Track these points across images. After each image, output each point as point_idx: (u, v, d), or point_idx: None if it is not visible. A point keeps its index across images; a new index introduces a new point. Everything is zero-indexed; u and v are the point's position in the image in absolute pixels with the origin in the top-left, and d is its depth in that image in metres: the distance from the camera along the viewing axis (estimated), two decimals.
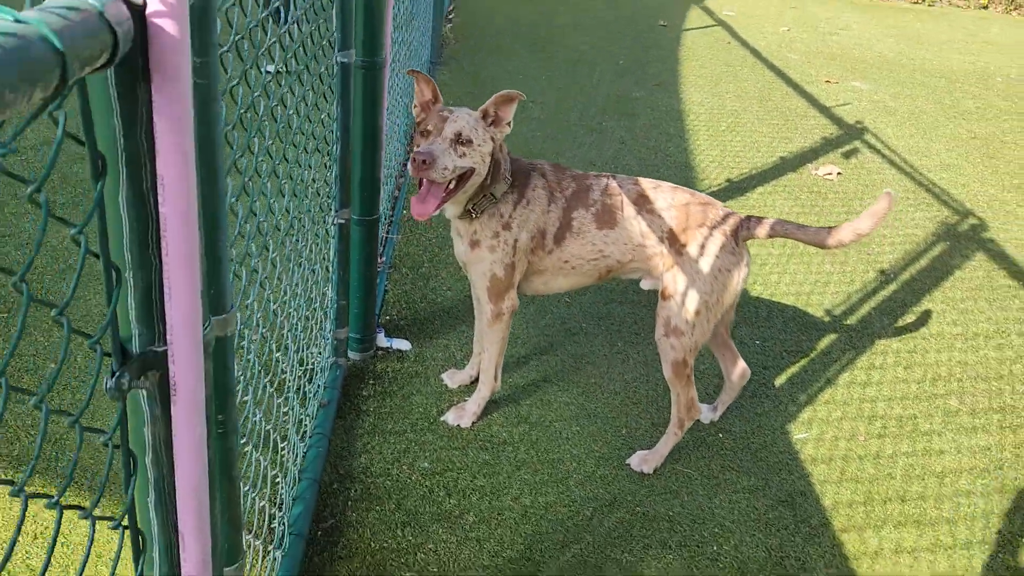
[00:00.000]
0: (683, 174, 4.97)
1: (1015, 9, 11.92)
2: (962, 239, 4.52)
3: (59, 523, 0.90)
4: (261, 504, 2.03)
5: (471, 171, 2.36)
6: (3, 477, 2.35)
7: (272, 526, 2.13)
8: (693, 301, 2.47)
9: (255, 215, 1.65)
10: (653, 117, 5.91)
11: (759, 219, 2.54)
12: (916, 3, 11.85)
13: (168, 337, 0.94)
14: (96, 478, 2.36)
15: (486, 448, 2.67)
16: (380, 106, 2.58)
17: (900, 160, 5.59)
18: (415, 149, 2.27)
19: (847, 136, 5.97)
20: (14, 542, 0.88)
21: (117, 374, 0.92)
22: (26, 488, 0.83)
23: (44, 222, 0.74)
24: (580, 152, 5.14)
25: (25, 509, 0.86)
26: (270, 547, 2.10)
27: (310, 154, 2.24)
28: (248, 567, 1.95)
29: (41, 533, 2.19)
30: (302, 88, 2.06)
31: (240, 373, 1.57)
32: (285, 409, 2.22)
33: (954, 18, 11.02)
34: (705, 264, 2.47)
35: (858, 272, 4.04)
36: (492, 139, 2.38)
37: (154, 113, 0.83)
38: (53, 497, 0.90)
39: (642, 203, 2.54)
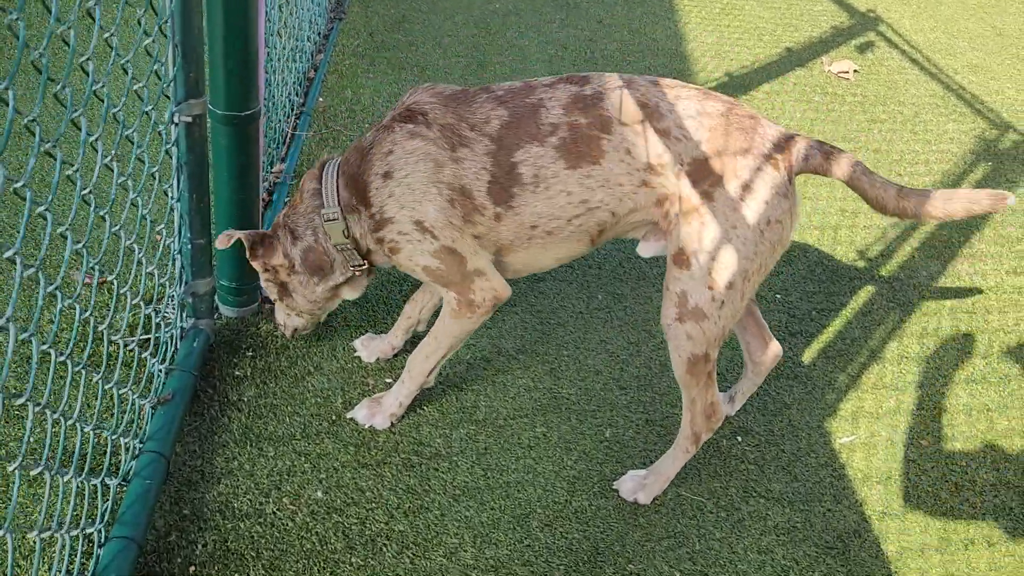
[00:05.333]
0: (674, 65, 4.03)
1: None
2: (1006, 159, 3.72)
3: None
4: None
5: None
6: None
7: None
8: (727, 267, 1.62)
9: None
10: None
11: (837, 151, 1.67)
12: None
13: None
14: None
15: (411, 465, 1.83)
16: None
17: (923, 58, 4.72)
18: None
19: (860, 26, 5.04)
20: None
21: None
22: None
23: None
24: (548, 33, 4.14)
25: None
26: None
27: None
28: None
29: None
30: None
31: None
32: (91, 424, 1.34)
33: None
34: (751, 212, 1.60)
35: None
36: None
37: None
38: None
39: (646, 114, 1.64)
